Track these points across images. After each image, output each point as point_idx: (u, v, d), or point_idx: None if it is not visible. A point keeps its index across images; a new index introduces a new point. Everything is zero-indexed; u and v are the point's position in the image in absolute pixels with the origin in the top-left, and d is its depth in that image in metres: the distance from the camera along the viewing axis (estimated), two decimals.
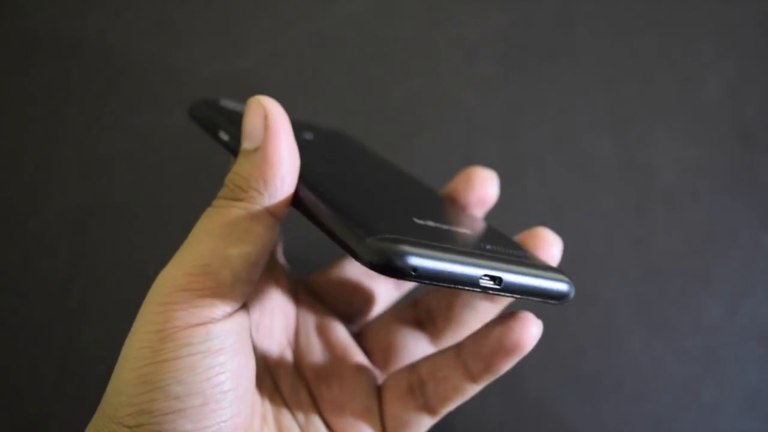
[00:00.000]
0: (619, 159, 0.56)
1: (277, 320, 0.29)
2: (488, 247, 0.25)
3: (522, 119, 0.56)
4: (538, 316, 0.29)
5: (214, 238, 0.22)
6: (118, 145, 0.56)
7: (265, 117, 0.23)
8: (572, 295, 0.26)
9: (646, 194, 0.55)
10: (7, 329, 0.53)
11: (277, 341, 0.29)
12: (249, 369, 0.23)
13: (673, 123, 0.56)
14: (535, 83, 0.57)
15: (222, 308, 0.22)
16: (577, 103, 0.57)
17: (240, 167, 0.23)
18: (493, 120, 0.56)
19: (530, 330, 0.27)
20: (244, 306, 0.24)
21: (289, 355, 0.30)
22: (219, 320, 0.22)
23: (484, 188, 0.30)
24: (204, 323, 0.21)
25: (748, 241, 0.54)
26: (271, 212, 0.23)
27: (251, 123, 0.23)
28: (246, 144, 0.23)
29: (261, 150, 0.22)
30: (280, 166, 0.22)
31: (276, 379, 0.28)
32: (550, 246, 0.28)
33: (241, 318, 0.23)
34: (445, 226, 0.26)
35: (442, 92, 0.58)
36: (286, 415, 0.27)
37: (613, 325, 0.53)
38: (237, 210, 0.22)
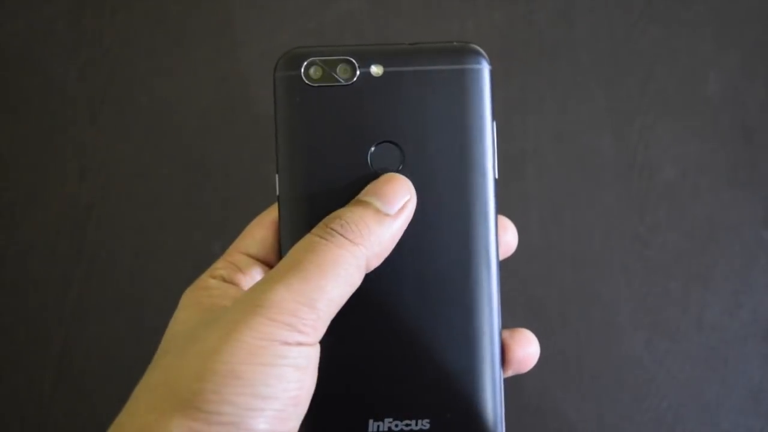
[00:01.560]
0: (620, 156, 0.55)
1: None
2: None
3: (521, 117, 0.56)
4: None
5: (324, 275, 0.24)
6: (116, 146, 0.56)
7: (410, 200, 0.27)
8: None
9: (647, 192, 0.55)
10: (6, 329, 0.53)
11: None
12: (312, 392, 0.25)
13: (674, 119, 0.56)
14: (535, 80, 0.57)
15: (313, 337, 0.24)
16: (577, 100, 0.56)
17: (366, 219, 0.26)
18: None
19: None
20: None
21: None
22: (309, 345, 0.24)
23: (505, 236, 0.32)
24: (299, 344, 0.23)
25: (749, 238, 0.54)
26: (368, 266, 0.25)
27: (394, 193, 0.26)
28: (379, 204, 0.26)
29: (392, 219, 0.26)
30: (396, 240, 0.26)
31: None
32: (528, 344, 0.30)
33: (318, 348, 0.26)
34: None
35: None
36: None
37: (614, 323, 0.52)
38: (347, 252, 0.24)
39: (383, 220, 0.26)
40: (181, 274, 0.29)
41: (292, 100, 0.28)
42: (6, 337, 0.52)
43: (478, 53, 0.28)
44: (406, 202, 0.26)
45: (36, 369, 0.52)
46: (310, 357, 0.24)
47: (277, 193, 0.28)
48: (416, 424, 0.27)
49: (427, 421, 0.27)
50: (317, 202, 0.27)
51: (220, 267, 0.28)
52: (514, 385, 0.51)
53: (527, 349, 0.28)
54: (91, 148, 0.56)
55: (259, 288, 0.24)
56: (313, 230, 0.25)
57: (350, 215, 0.25)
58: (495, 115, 0.28)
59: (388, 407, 0.27)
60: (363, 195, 0.27)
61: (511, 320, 0.55)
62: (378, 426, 0.27)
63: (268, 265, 0.28)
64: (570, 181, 0.55)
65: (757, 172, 0.55)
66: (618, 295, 0.53)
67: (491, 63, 0.28)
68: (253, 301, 0.23)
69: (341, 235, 0.25)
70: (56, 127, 0.56)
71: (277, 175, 0.28)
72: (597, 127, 0.56)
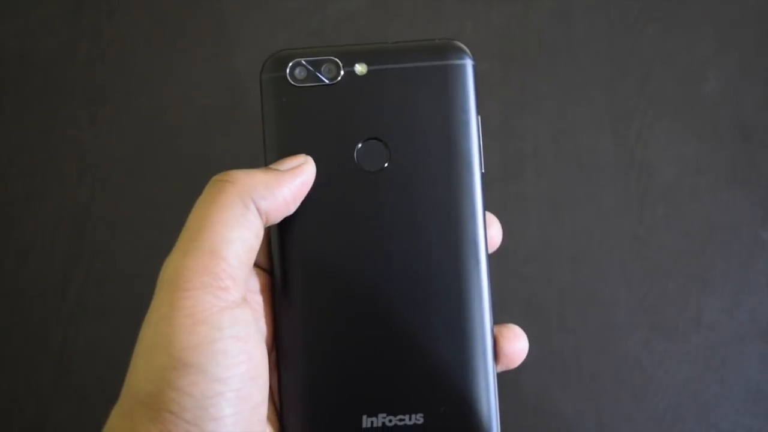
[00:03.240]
0: (618, 156, 0.55)
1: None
2: None
3: (520, 116, 0.56)
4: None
5: (215, 224, 0.23)
6: (114, 146, 0.56)
7: (304, 163, 0.26)
8: None
9: (646, 192, 0.55)
10: (5, 329, 0.53)
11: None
12: (266, 361, 0.25)
13: (672, 119, 0.56)
14: (534, 80, 0.57)
15: (235, 291, 0.23)
16: (575, 100, 0.56)
17: (252, 170, 0.25)
18: (491, 117, 0.56)
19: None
20: (247, 301, 0.26)
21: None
22: (238, 305, 0.23)
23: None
24: (228, 307, 0.23)
25: (748, 238, 0.54)
26: (261, 210, 0.25)
27: (288, 159, 0.27)
28: (272, 165, 0.26)
29: (281, 173, 0.26)
30: (291, 194, 0.26)
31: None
32: (517, 339, 0.29)
33: (250, 311, 0.25)
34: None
35: None
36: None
37: (613, 323, 0.52)
38: (227, 194, 0.24)
39: (269, 171, 0.26)
40: None
41: (279, 101, 0.28)
42: (5, 337, 0.52)
43: (460, 49, 0.28)
44: (299, 164, 0.26)
45: (35, 369, 0.52)
46: (247, 323, 0.24)
47: None
48: (410, 419, 0.27)
49: (421, 415, 0.27)
50: (305, 200, 0.27)
51: None
52: (512, 385, 0.51)
53: (516, 345, 0.28)
54: (89, 148, 0.56)
55: (164, 265, 0.24)
56: None
57: (237, 170, 0.26)
58: (479, 110, 0.28)
59: (382, 402, 0.27)
60: None
61: (510, 320, 0.55)
62: (372, 421, 0.27)
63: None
64: (569, 181, 0.55)
65: (756, 171, 0.55)
66: (617, 295, 0.53)
67: (474, 59, 0.28)
68: (164, 280, 0.23)
69: (221, 180, 0.25)
70: (55, 127, 0.56)
71: None
72: (595, 127, 0.56)
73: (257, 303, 0.27)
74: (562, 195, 0.55)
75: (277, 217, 0.26)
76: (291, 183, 0.26)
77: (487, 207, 0.28)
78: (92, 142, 0.56)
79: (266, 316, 0.27)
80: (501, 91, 0.57)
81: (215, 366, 0.22)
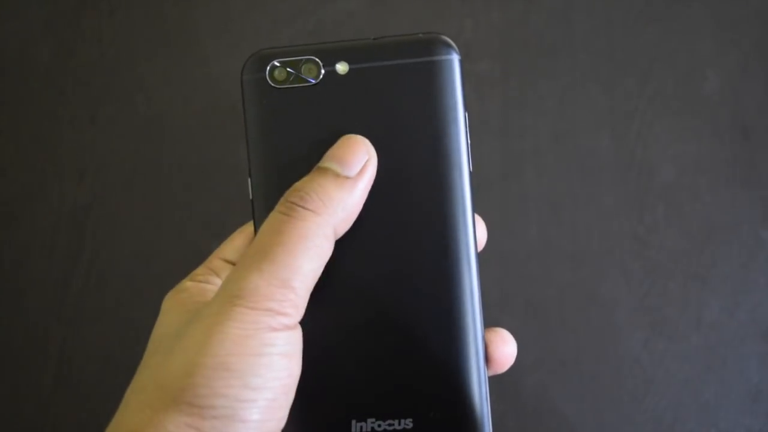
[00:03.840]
0: (619, 156, 0.55)
1: None
2: None
3: (520, 116, 0.56)
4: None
5: (291, 253, 0.24)
6: (115, 147, 0.56)
7: (369, 159, 0.26)
8: None
9: (646, 191, 0.55)
10: (5, 329, 0.53)
11: None
12: (298, 379, 0.25)
13: (672, 119, 0.56)
14: (533, 80, 0.57)
15: (295, 316, 0.24)
16: (575, 99, 0.56)
17: (326, 186, 0.25)
18: (491, 117, 0.56)
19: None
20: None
21: None
22: (291, 328, 0.24)
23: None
24: (282, 330, 0.23)
25: (748, 238, 0.54)
26: (336, 233, 0.25)
27: (352, 155, 0.26)
28: (338, 168, 0.25)
29: (353, 182, 0.25)
30: (361, 203, 0.25)
31: None
32: (505, 344, 0.29)
33: (301, 332, 0.25)
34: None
35: None
36: None
37: (613, 323, 0.52)
38: (311, 225, 0.24)
39: (343, 183, 0.25)
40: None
41: (260, 104, 0.27)
42: (5, 337, 0.52)
43: (446, 44, 0.27)
44: (365, 163, 0.26)
45: (35, 369, 0.52)
46: (296, 343, 0.24)
47: (251, 197, 0.27)
48: (399, 424, 0.26)
49: (410, 420, 0.26)
50: None
51: (199, 273, 0.28)
52: (512, 385, 0.51)
53: (504, 349, 0.28)
54: (90, 148, 0.56)
55: (233, 278, 0.24)
56: (276, 206, 0.25)
57: (309, 185, 0.25)
58: (467, 107, 0.27)
59: (371, 407, 0.26)
60: (321, 161, 0.26)
61: (510, 320, 0.55)
62: (361, 427, 0.27)
63: None
64: (569, 181, 0.55)
65: (756, 171, 0.55)
66: (617, 295, 0.53)
67: (460, 53, 0.27)
68: (230, 293, 0.23)
69: (302, 207, 0.24)
70: (55, 127, 0.56)
71: (249, 179, 0.27)
72: (596, 126, 0.56)
73: None
74: (562, 195, 0.55)
75: (346, 228, 0.26)
76: (362, 189, 0.25)
77: (477, 207, 0.27)
78: (92, 143, 0.56)
79: None
80: (501, 91, 0.57)
81: (255, 376, 0.23)
